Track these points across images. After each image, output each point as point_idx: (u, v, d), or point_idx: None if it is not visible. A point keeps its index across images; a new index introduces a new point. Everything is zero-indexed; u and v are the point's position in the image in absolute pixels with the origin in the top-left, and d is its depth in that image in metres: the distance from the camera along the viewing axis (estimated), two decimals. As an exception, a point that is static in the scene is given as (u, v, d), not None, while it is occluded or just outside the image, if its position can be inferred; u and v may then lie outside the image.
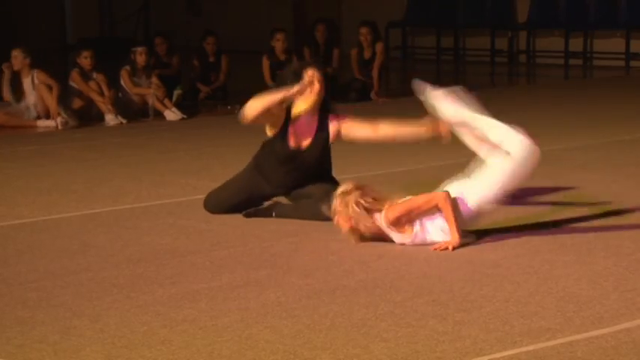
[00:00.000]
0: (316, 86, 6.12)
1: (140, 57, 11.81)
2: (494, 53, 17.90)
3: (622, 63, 16.56)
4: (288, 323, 4.44)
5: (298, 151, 6.33)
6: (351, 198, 5.63)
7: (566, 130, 9.86)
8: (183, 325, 4.44)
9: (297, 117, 6.29)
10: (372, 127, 6.24)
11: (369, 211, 5.63)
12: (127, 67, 11.83)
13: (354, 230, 5.65)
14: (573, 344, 4.12)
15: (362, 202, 5.61)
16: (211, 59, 13.30)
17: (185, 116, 11.68)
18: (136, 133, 10.76)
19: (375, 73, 12.96)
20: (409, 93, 15.03)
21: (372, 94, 12.95)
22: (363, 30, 13.04)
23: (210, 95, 13.13)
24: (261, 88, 12.73)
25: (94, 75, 11.48)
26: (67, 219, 6.64)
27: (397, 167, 7.96)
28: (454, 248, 5.54)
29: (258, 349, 4.14)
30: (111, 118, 11.28)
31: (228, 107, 12.49)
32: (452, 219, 5.56)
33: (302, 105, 6.24)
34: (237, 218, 6.42)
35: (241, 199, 6.42)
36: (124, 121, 11.33)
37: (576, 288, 4.88)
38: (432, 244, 5.58)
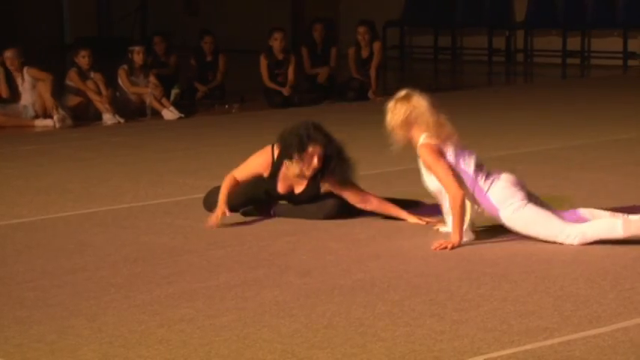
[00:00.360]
0: (314, 164, 6.11)
1: (137, 56, 11.81)
2: (492, 52, 17.90)
3: (619, 62, 16.57)
4: (285, 322, 4.44)
5: (291, 194, 6.32)
6: (405, 107, 5.64)
7: (564, 129, 9.85)
8: (180, 324, 4.44)
9: (289, 174, 6.25)
10: (361, 199, 6.23)
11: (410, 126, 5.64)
12: (125, 67, 11.83)
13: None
14: (571, 343, 4.12)
15: (409, 114, 5.62)
16: (209, 58, 13.30)
17: (183, 115, 11.68)
18: (133, 132, 10.76)
19: (372, 72, 12.96)
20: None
21: (370, 94, 12.95)
22: (361, 29, 13.04)
23: (208, 94, 13.13)
24: (259, 87, 12.83)
25: (92, 74, 11.48)
26: (64, 218, 6.64)
27: (392, 167, 7.96)
28: (453, 248, 5.54)
29: (255, 349, 4.14)
30: (108, 118, 11.28)
31: (226, 106, 12.51)
32: (458, 220, 5.56)
33: (295, 169, 6.18)
34: (235, 217, 6.41)
35: (241, 201, 6.41)
36: (122, 121, 11.33)
37: (574, 287, 4.88)
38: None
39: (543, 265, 5.24)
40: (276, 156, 6.24)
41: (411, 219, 6.17)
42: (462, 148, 5.66)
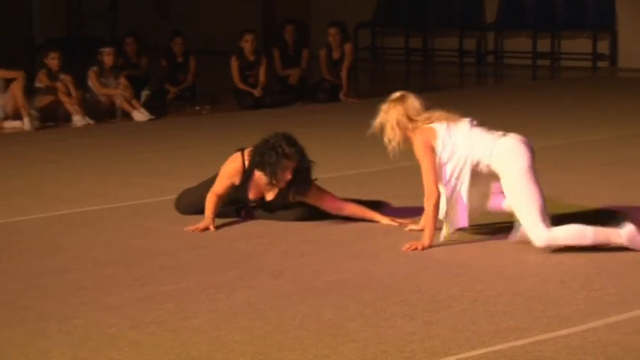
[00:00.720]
0: (287, 177, 6.14)
1: (107, 57, 11.76)
2: (463, 54, 17.98)
3: (589, 64, 16.69)
4: (257, 324, 4.44)
5: (262, 201, 6.33)
6: (396, 111, 5.69)
7: (535, 131, 9.89)
8: (151, 327, 4.43)
9: (259, 183, 6.26)
10: (335, 206, 6.27)
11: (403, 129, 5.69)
12: (95, 68, 11.78)
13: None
14: (541, 343, 4.15)
15: (403, 119, 5.67)
16: (179, 60, 13.28)
17: (153, 117, 11.64)
18: (103, 134, 10.72)
19: (343, 73, 12.97)
20: (378, 94, 15.09)
21: (341, 95, 12.97)
22: (332, 31, 13.05)
23: (179, 96, 13.10)
24: (230, 88, 12.81)
25: (61, 76, 11.42)
26: (33, 221, 6.60)
27: (367, 168, 7.98)
28: (423, 248, 5.56)
29: (227, 351, 4.13)
30: (78, 119, 11.23)
31: (197, 108, 12.48)
32: (431, 220, 5.59)
33: (266, 179, 6.17)
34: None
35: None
36: (92, 122, 11.28)
37: (544, 288, 4.91)
38: None
39: (514, 266, 5.27)
40: (247, 163, 6.26)
41: (384, 220, 6.20)
42: (455, 123, 5.70)
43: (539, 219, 5.40)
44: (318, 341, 4.21)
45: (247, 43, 12.58)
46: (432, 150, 5.63)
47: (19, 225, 6.49)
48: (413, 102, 5.76)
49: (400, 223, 6.15)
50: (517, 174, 5.49)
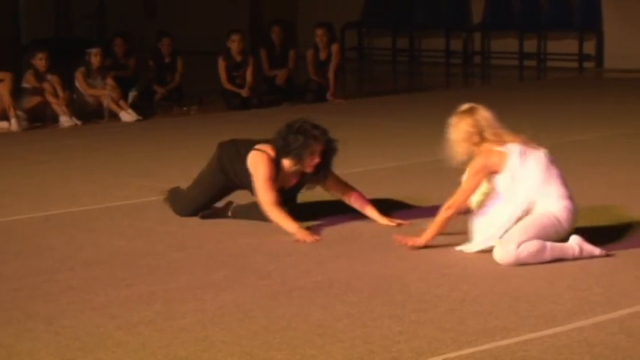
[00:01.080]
0: (315, 161, 6.08)
1: (95, 58, 11.74)
2: (450, 54, 18.00)
3: (575, 64, 16.73)
4: (244, 324, 4.44)
5: (281, 191, 6.22)
6: (465, 123, 5.52)
7: (521, 131, 9.91)
8: (138, 327, 4.43)
9: (287, 172, 6.19)
10: (343, 192, 6.25)
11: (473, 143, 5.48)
12: (82, 69, 11.76)
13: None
14: (527, 343, 4.16)
15: (472, 131, 5.48)
16: (166, 60, 13.26)
17: (141, 117, 11.62)
18: (91, 134, 10.70)
19: (331, 74, 12.98)
20: (365, 94, 15.08)
21: (328, 95, 12.97)
22: (319, 31, 13.06)
23: (166, 96, 13.09)
24: (217, 89, 12.79)
25: (49, 76, 11.39)
26: (21, 221, 6.58)
27: (353, 168, 7.98)
28: (413, 247, 5.56)
29: (214, 351, 4.13)
30: (65, 120, 11.21)
31: (184, 108, 12.47)
32: (437, 227, 5.54)
33: (294, 166, 6.10)
34: (194, 220, 6.40)
35: (205, 201, 6.43)
36: (79, 123, 11.26)
37: (531, 288, 4.93)
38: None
39: (500, 266, 5.28)
40: (273, 155, 6.14)
41: (382, 220, 6.18)
42: (530, 150, 5.51)
43: (524, 239, 5.31)
44: (305, 341, 4.22)
45: (234, 44, 12.58)
46: (487, 174, 5.46)
47: (7, 225, 6.47)
48: (483, 114, 5.56)
49: (399, 224, 6.13)
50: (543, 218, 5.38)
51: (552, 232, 5.37)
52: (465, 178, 5.57)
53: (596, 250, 5.37)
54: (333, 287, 4.97)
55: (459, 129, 5.54)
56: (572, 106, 12.09)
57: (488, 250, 5.45)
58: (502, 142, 5.50)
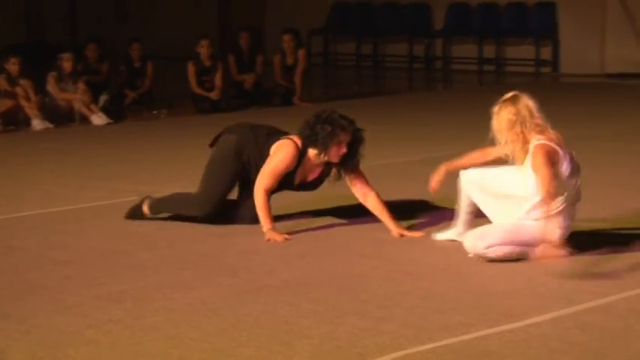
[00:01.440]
0: (342, 151, 5.90)
1: (66, 63, 11.67)
2: (412, 60, 18.06)
3: (532, 69, 16.84)
4: (213, 322, 4.42)
5: (300, 184, 6.09)
6: (507, 111, 5.30)
7: (482, 133, 9.95)
8: (109, 325, 4.39)
9: (312, 162, 6.00)
10: (362, 192, 5.98)
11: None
12: (54, 73, 11.68)
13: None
14: (486, 338, 4.17)
15: (514, 119, 5.25)
16: (137, 65, 13.21)
17: (112, 121, 11.56)
18: (62, 137, 10.61)
19: (297, 78, 12.97)
20: (330, 98, 15.10)
21: (295, 99, 12.97)
22: (286, 37, 13.06)
23: (137, 100, 13.03)
24: (187, 93, 12.73)
25: (21, 81, 11.31)
26: (-6, 222, 6.52)
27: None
28: (556, 256, 5.13)
29: (183, 348, 4.11)
30: (37, 123, 11.13)
31: (155, 112, 12.41)
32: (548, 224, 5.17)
33: (320, 156, 5.90)
34: (164, 221, 6.36)
35: (229, 191, 6.17)
36: (51, 126, 11.18)
37: (491, 285, 4.95)
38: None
39: (462, 264, 5.30)
40: (300, 145, 5.94)
41: (395, 231, 5.86)
42: (566, 153, 5.35)
43: (496, 243, 5.21)
44: (272, 338, 4.20)
45: (203, 49, 12.55)
46: (555, 161, 5.21)
47: (-21, 227, 6.40)
48: (526, 102, 5.34)
49: (412, 236, 5.84)
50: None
51: (531, 242, 5.27)
52: (528, 162, 5.26)
53: (559, 252, 5.25)
54: (300, 285, 4.96)
55: (500, 117, 5.33)
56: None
57: (453, 247, 5.47)
58: (542, 133, 5.27)
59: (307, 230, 6.10)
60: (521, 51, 16.98)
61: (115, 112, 12.07)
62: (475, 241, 5.28)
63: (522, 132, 5.29)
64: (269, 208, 5.88)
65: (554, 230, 5.16)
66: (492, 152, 5.57)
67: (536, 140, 5.27)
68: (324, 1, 18.86)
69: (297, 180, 6.06)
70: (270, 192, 5.94)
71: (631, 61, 15.72)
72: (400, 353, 4.01)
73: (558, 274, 5.06)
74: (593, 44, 16.21)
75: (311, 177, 6.12)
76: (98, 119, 11.49)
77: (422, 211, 6.42)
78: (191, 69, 12.54)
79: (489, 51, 17.23)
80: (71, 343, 4.17)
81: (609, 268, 5.18)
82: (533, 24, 16.89)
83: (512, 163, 5.42)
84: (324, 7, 18.88)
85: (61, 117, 11.51)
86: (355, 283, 4.98)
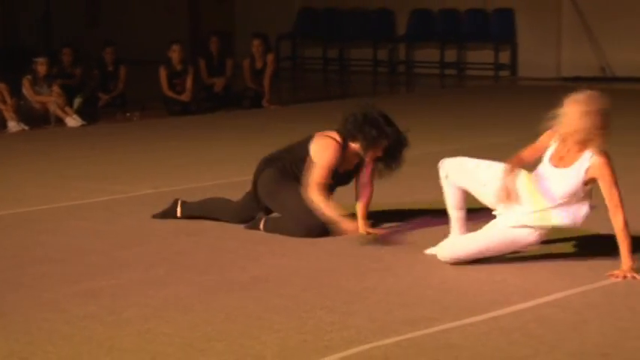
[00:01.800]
0: (378, 154, 5.85)
1: (41, 67, 11.62)
2: (377, 64, 18.11)
3: (492, 73, 16.95)
4: (186, 317, 4.42)
5: (336, 173, 5.96)
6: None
7: (443, 135, 10.03)
8: (84, 321, 4.38)
9: (351, 152, 5.93)
10: (364, 184, 5.96)
11: None
12: (29, 77, 11.63)
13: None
14: (449, 331, 4.21)
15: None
16: (110, 68, 13.15)
17: (85, 123, 11.51)
18: (38, 139, 10.55)
19: (266, 82, 12.98)
20: (298, 101, 15.13)
21: (264, 102, 12.97)
22: (255, 42, 13.07)
23: (110, 103, 12.98)
24: (159, 96, 12.69)
25: (-4, 85, 11.24)
26: (-29, 222, 6.47)
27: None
28: (625, 277, 4.91)
29: (157, 343, 4.11)
30: (13, 125, 11.08)
31: (127, 114, 12.37)
32: (626, 236, 4.95)
33: (357, 151, 5.87)
34: (137, 220, 6.35)
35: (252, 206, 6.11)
36: (27, 128, 11.12)
37: (454, 280, 4.98)
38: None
39: (426, 260, 5.33)
40: (341, 143, 5.88)
41: (362, 228, 5.82)
42: None
43: (464, 257, 5.17)
44: (243, 332, 4.22)
45: (175, 53, 12.52)
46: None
47: (-44, 226, 6.36)
48: (599, 104, 4.99)
49: (376, 233, 5.83)
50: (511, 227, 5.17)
51: (502, 249, 5.22)
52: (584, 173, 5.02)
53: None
54: (269, 281, 4.97)
55: (593, 114, 4.99)
56: (490, 112, 12.23)
57: (417, 245, 5.50)
58: (599, 145, 4.98)
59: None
60: (481, 55, 17.09)
61: (89, 114, 12.02)
62: (442, 253, 5.24)
63: (593, 137, 4.97)
64: (330, 203, 5.73)
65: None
66: (541, 145, 5.39)
67: (598, 152, 4.98)
68: (292, 7, 18.89)
69: (341, 169, 5.96)
70: (325, 189, 5.81)
71: (585, 65, 15.88)
72: (366, 346, 4.03)
73: (518, 270, 5.11)
74: (549, 49, 16.35)
75: (349, 167, 6.01)
76: (72, 121, 11.44)
77: (397, 213, 6.45)
78: (163, 72, 12.51)
79: (451, 55, 17.32)
80: (48, 339, 4.16)
81: (566, 264, 5.23)
82: (493, 29, 17.00)
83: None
84: (292, 13, 18.90)
85: (37, 119, 11.44)
86: (322, 279, 5.00)
